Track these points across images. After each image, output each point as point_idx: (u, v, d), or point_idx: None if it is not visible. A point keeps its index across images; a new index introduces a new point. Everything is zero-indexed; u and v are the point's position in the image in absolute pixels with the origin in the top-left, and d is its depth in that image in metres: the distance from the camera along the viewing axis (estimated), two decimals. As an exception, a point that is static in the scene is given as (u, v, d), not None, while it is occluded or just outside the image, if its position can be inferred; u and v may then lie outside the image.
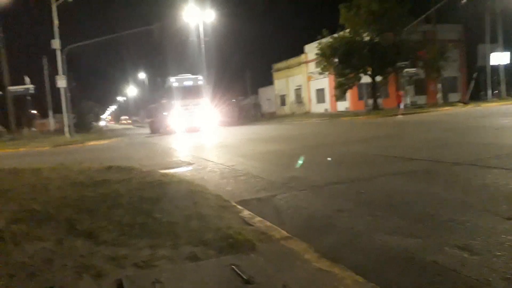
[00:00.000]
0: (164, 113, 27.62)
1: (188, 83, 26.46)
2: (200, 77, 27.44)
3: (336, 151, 9.31)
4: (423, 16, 29.26)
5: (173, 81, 26.46)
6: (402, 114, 22.03)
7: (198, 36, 31.74)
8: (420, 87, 38.41)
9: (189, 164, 8.88)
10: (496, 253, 2.79)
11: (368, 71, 31.22)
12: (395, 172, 6.04)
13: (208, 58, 33.09)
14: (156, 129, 30.08)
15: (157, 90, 33.31)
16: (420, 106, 31.43)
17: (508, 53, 35.21)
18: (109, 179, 5.88)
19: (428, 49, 31.18)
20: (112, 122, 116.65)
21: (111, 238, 3.36)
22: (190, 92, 26.11)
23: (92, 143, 20.02)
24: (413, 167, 6.32)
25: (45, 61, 34.23)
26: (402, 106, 23.86)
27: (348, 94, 37.12)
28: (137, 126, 56.27)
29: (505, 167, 5.59)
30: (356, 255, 3.05)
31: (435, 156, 7.03)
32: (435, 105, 31.77)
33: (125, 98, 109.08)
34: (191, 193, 4.79)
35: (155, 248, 3.10)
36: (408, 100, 23.66)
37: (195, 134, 22.41)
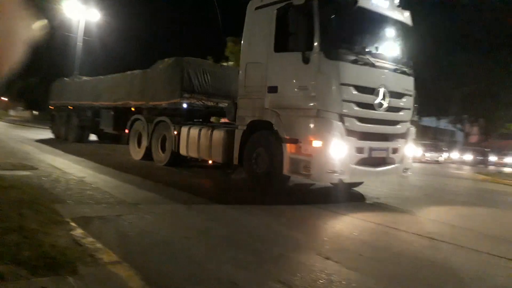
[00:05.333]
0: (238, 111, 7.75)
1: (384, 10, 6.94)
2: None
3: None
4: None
5: None
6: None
7: (78, 34, 29.15)
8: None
9: (32, 168, 7.89)
10: (309, 290, 3.08)
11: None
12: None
13: (91, 59, 30.07)
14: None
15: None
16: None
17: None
18: None
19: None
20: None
21: None
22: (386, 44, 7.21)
23: None
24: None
25: None
26: None
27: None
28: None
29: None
30: (187, 285, 3.03)
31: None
32: None
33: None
34: (19, 202, 4.23)
35: (-51, 264, 2.61)
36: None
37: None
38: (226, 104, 8.85)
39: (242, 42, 7.60)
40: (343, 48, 6.29)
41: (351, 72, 6.29)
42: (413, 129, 7.51)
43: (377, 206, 7.10)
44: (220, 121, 11.12)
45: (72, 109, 15.71)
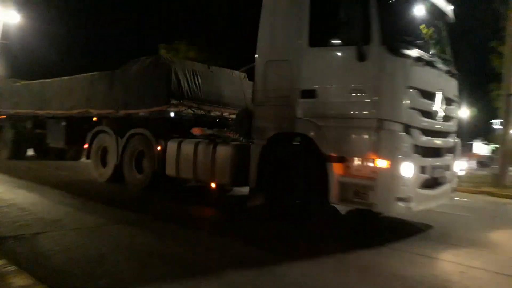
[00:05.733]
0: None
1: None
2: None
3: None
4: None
5: None
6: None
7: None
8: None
9: None
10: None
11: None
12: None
13: (11, 64, 27.31)
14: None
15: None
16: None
17: None
18: None
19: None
20: None
21: None
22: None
23: None
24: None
25: None
26: None
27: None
28: None
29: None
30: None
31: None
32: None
33: None
34: None
35: None
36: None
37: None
38: (220, 113, 8.21)
39: (258, 34, 6.03)
40: (407, 43, 5.08)
41: (417, 72, 5.09)
42: (459, 142, 6.40)
43: (455, 244, 5.38)
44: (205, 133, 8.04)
45: (4, 119, 13.04)
